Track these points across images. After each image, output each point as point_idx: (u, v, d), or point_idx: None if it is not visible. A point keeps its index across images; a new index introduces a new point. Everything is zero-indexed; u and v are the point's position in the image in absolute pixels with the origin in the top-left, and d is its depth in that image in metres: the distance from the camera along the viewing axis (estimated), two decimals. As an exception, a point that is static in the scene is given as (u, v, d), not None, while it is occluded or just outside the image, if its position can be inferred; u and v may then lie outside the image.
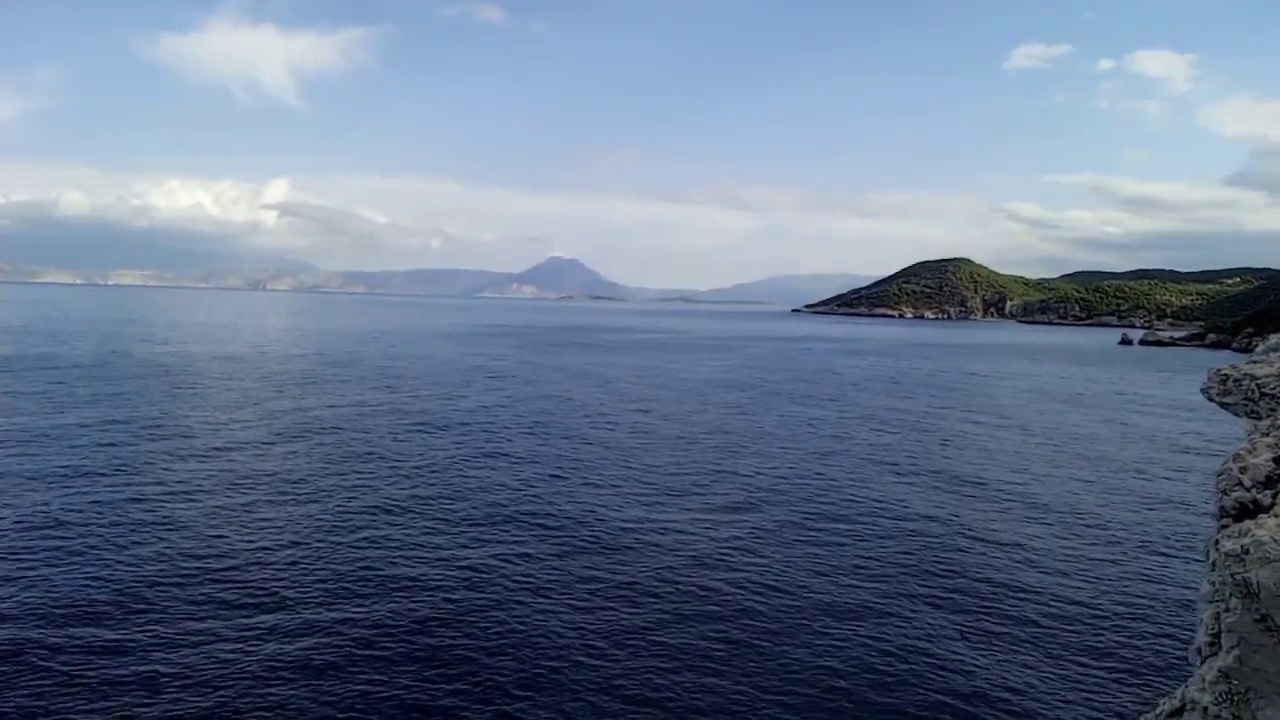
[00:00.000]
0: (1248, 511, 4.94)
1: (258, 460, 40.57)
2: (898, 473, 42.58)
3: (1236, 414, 5.84)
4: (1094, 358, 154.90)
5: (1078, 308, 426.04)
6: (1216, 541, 4.75)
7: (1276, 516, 4.53)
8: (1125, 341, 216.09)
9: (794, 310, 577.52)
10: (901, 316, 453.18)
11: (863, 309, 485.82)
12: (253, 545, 27.44)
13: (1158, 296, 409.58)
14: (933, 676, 19.98)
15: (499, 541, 28.97)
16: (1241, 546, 4.40)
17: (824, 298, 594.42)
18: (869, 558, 28.43)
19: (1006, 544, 30.42)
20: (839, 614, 23.56)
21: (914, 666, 20.45)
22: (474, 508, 33.01)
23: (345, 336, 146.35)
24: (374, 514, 31.68)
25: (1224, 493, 5.08)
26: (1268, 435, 5.18)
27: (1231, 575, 4.43)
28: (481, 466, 40.41)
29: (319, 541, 28.15)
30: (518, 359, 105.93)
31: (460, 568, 26.17)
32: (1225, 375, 5.94)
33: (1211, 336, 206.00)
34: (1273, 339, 9.27)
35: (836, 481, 39.85)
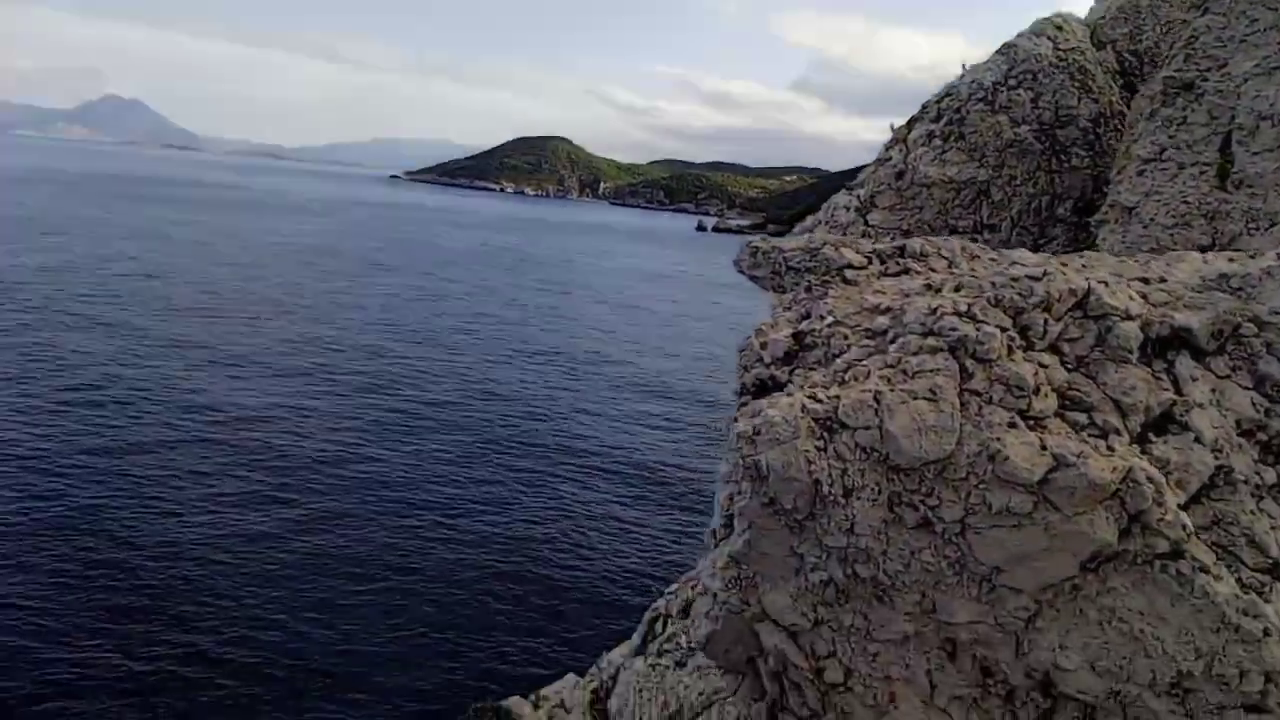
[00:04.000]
0: (766, 389, 4.71)
1: None
2: (511, 352, 42.65)
3: (764, 288, 5.70)
4: (675, 241, 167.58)
5: (663, 194, 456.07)
6: (734, 420, 4.42)
7: (790, 395, 4.24)
8: (701, 228, 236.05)
9: (393, 176, 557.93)
10: (502, 190, 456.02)
11: (464, 180, 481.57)
12: None
13: (730, 187, 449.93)
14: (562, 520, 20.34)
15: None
16: (754, 427, 4.08)
17: (425, 165, 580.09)
18: (477, 438, 28.20)
19: (611, 415, 31.86)
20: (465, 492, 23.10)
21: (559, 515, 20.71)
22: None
23: None
24: None
25: (745, 369, 4.84)
26: (789, 310, 5.01)
27: (743, 457, 4.10)
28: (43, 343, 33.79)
29: None
30: (71, 214, 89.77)
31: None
32: (756, 248, 5.76)
33: (771, 226, 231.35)
34: (808, 220, 9.58)
35: (447, 362, 38.93)
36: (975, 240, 8.67)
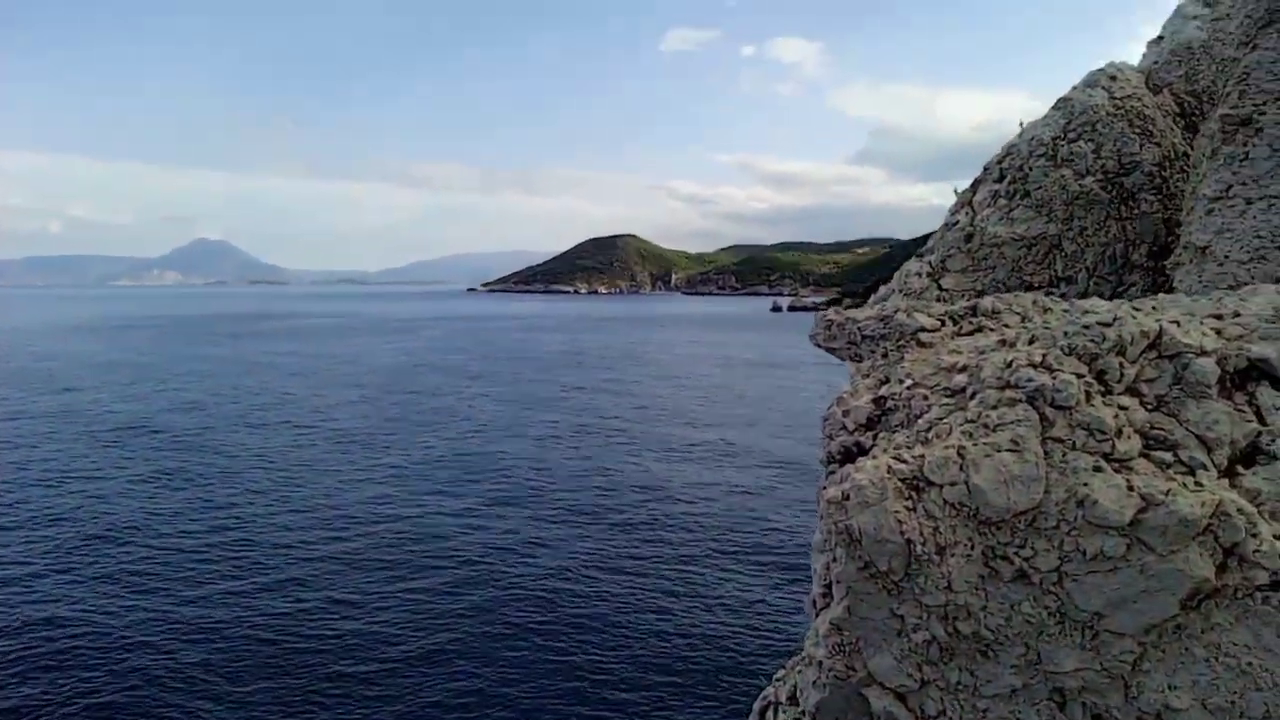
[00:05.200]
0: (851, 456, 4.83)
1: None
2: (602, 443, 43.15)
3: (842, 359, 5.86)
4: (751, 324, 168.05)
5: (734, 279, 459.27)
6: (823, 488, 4.56)
7: (875, 459, 4.38)
8: (776, 309, 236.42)
9: (470, 289, 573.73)
10: (576, 292, 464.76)
11: (539, 285, 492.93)
12: None
13: (802, 266, 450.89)
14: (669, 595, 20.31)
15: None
16: (843, 492, 4.21)
17: (501, 275, 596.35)
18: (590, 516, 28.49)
19: (710, 495, 31.85)
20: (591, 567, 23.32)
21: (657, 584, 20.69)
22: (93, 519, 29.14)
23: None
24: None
25: (830, 438, 4.97)
26: (868, 377, 5.15)
27: (835, 524, 4.23)
28: (128, 481, 35.75)
29: None
30: (160, 353, 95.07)
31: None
32: (830, 320, 5.95)
33: (848, 301, 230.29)
34: (881, 290, 9.74)
35: (528, 457, 39.64)
36: (1053, 294, 8.71)
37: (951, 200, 10.71)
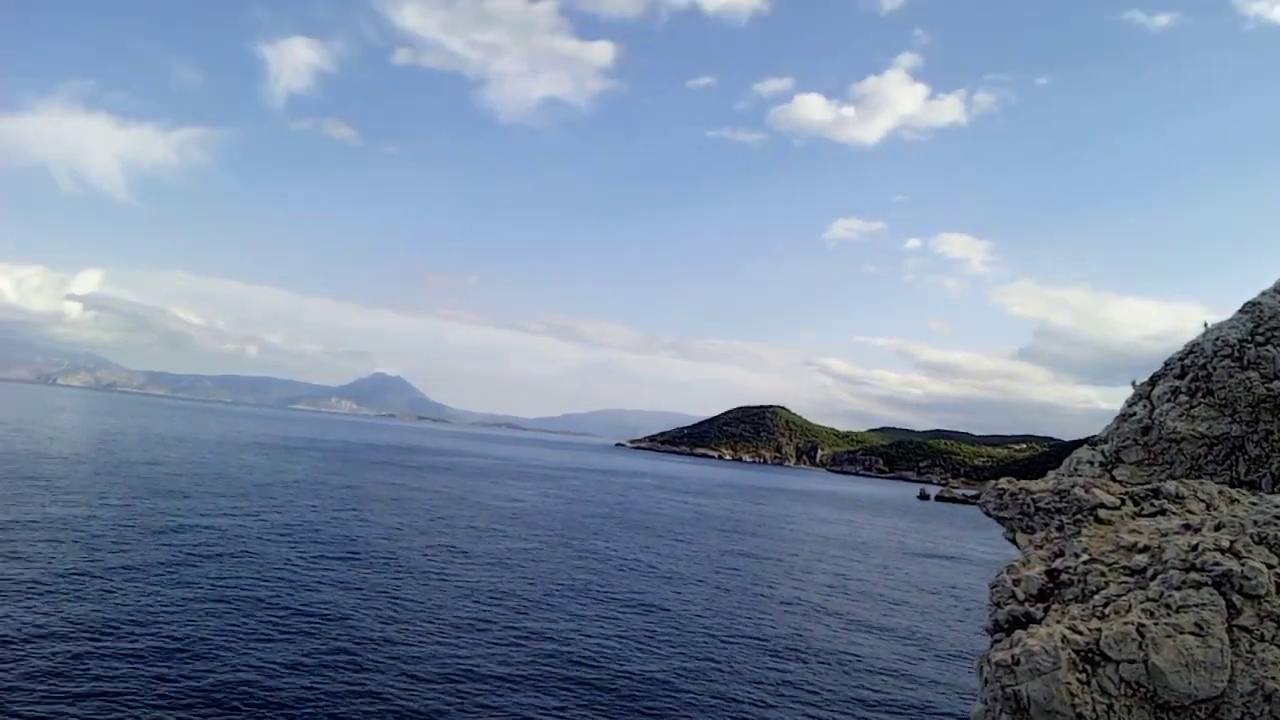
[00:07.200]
0: (1019, 624, 4.79)
1: None
2: (730, 630, 42.39)
3: (1011, 529, 5.82)
4: (896, 510, 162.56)
5: (881, 461, 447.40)
6: (988, 656, 4.54)
7: (1049, 628, 4.36)
8: (923, 496, 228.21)
9: (618, 444, 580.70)
10: (720, 457, 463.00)
11: (684, 447, 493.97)
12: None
13: (954, 455, 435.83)
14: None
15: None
16: (1012, 657, 4.18)
17: (649, 433, 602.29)
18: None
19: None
20: None
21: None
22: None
23: (117, 441, 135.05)
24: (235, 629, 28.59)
25: (997, 605, 4.93)
26: (1041, 548, 5.12)
27: (1002, 688, 4.19)
28: (263, 608, 37.42)
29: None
30: (325, 477, 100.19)
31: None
32: (1002, 490, 5.95)
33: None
34: (1050, 475, 9.58)
35: (676, 613, 39.23)
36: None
37: (1120, 404, 10.46)
